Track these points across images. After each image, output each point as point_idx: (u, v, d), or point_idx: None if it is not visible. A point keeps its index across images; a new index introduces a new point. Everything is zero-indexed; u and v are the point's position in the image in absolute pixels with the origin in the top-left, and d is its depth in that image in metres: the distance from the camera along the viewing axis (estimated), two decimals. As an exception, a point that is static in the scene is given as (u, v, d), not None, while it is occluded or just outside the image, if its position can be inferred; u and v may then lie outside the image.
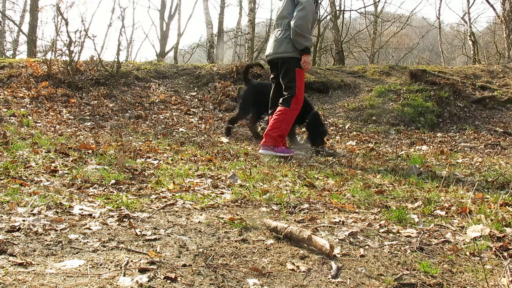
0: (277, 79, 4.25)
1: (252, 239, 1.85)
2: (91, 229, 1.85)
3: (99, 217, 2.01)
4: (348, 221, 2.16)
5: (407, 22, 18.00)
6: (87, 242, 1.70)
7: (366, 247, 1.82)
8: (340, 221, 2.15)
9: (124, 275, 1.40)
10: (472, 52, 13.71)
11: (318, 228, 2.03)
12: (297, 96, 4.07)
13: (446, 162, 4.22)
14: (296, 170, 3.43)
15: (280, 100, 4.18)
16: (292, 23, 3.97)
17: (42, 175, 2.69)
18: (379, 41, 18.86)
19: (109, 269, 1.45)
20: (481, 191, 2.82)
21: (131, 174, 2.92)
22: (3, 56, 13.58)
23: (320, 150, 4.61)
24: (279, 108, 4.16)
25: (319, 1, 4.24)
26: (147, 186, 2.68)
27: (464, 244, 1.86)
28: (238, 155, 4.05)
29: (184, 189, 2.65)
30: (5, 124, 4.39)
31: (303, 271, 1.53)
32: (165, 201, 2.38)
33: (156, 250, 1.65)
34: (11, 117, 4.78)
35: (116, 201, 2.28)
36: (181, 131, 5.35)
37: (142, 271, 1.44)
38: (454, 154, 4.75)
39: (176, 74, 7.82)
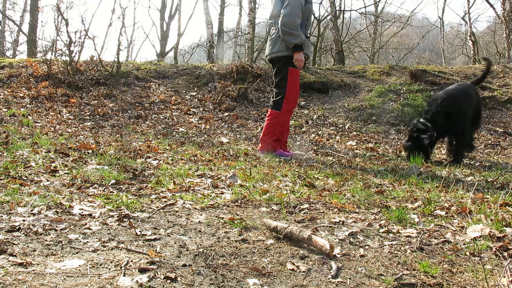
0: None
1: (252, 239, 1.85)
2: (91, 229, 1.85)
3: (99, 217, 2.01)
4: (348, 221, 2.16)
5: (407, 22, 18.00)
6: (87, 242, 1.70)
7: (366, 247, 1.81)
8: (340, 221, 2.15)
9: (124, 275, 1.40)
10: (472, 52, 13.71)
11: (318, 228, 2.03)
12: (287, 97, 4.01)
13: (446, 162, 4.21)
14: (296, 170, 3.43)
15: (271, 102, 4.14)
16: (279, 22, 3.89)
17: (42, 175, 2.69)
18: (379, 41, 18.87)
19: (109, 269, 1.45)
20: (481, 191, 2.82)
21: (131, 174, 2.92)
22: (3, 56, 13.58)
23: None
24: (270, 112, 4.11)
25: None
26: (147, 186, 2.68)
27: (464, 244, 1.86)
28: (238, 155, 4.05)
29: (184, 189, 2.65)
30: (5, 124, 4.39)
31: (303, 271, 1.53)
32: (165, 201, 2.38)
33: (156, 250, 1.65)
34: (11, 117, 4.78)
35: (116, 201, 2.28)
36: (181, 131, 5.35)
37: (142, 271, 1.44)
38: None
39: (176, 74, 7.82)
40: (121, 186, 2.64)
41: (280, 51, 3.98)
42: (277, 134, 4.06)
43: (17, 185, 2.40)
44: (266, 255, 1.68)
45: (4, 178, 2.52)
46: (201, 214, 2.18)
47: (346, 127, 6.30)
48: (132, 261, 1.52)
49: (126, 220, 1.99)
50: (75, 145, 3.65)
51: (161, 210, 2.21)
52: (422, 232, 1.99)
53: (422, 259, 1.67)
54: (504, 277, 1.44)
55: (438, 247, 1.83)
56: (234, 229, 1.96)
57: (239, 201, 2.44)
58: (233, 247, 1.74)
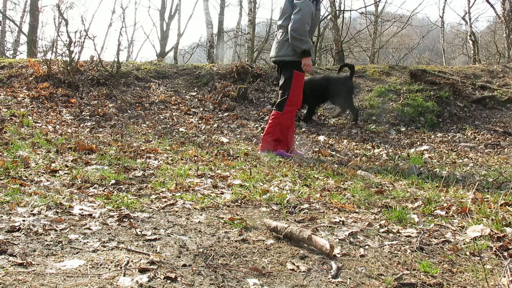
0: None
1: (252, 239, 1.85)
2: (91, 229, 1.85)
3: (99, 217, 2.01)
4: (348, 221, 2.16)
5: (407, 22, 17.98)
6: (87, 242, 1.70)
7: (366, 247, 1.81)
8: (340, 221, 2.15)
9: (124, 275, 1.40)
10: (472, 51, 13.72)
11: (318, 228, 2.03)
12: (290, 99, 4.06)
13: (446, 162, 4.22)
14: (296, 170, 3.43)
15: (275, 103, 4.24)
16: (289, 27, 3.94)
17: (42, 175, 2.69)
18: (379, 41, 18.85)
19: (109, 269, 1.45)
20: (481, 191, 2.82)
21: (131, 174, 2.92)
22: (4, 56, 13.58)
23: None
24: (272, 112, 4.20)
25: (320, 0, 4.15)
26: (147, 186, 2.68)
27: (464, 244, 1.86)
28: (238, 155, 4.05)
29: (184, 189, 2.65)
30: (5, 124, 4.39)
31: (303, 271, 1.53)
32: (165, 201, 2.38)
33: (156, 250, 1.65)
34: (11, 117, 4.78)
35: (116, 201, 2.28)
36: (181, 131, 5.35)
37: (142, 271, 1.44)
38: (453, 154, 4.74)
39: (176, 74, 7.82)
40: (121, 186, 2.64)
41: (287, 55, 4.03)
42: (277, 134, 4.12)
43: (17, 185, 2.40)
44: (266, 255, 1.68)
45: (4, 178, 2.52)
46: (201, 214, 2.18)
47: (346, 127, 6.30)
48: (132, 261, 1.52)
49: (126, 220, 1.99)
50: (75, 145, 3.65)
51: (161, 210, 2.21)
52: (422, 232, 1.99)
53: (422, 259, 1.67)
54: (504, 277, 1.44)
55: (438, 247, 1.83)
56: (234, 229, 1.96)
57: (239, 201, 2.44)
58: (233, 247, 1.74)
